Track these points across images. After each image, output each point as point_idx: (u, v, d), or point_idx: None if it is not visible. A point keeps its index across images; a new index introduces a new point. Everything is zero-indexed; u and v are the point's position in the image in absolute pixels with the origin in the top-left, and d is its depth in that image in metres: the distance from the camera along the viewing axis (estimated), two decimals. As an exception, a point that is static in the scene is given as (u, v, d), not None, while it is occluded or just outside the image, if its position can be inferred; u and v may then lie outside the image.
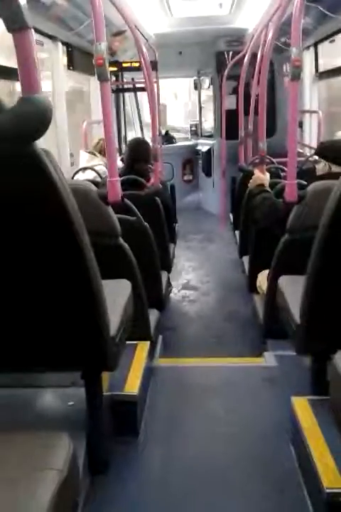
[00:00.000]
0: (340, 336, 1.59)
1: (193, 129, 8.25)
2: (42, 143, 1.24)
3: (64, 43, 4.35)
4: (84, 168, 4.26)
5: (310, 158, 4.14)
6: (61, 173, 1.28)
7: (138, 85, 6.62)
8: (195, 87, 7.87)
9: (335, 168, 2.46)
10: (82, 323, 1.50)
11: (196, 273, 5.05)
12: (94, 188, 2.22)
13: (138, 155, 3.51)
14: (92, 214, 2.15)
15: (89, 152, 4.60)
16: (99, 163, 4.27)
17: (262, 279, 2.94)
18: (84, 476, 1.73)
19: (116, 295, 1.86)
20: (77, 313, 1.48)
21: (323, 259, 1.58)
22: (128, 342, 2.15)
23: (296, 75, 2.17)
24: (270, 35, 2.93)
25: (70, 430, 1.72)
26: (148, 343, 2.49)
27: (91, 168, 4.15)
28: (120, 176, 3.17)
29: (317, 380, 1.91)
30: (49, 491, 1.02)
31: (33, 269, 1.39)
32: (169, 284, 3.99)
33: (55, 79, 4.29)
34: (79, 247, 1.35)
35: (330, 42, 4.54)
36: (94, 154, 4.51)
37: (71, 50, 4.59)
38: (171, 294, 4.32)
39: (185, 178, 7.88)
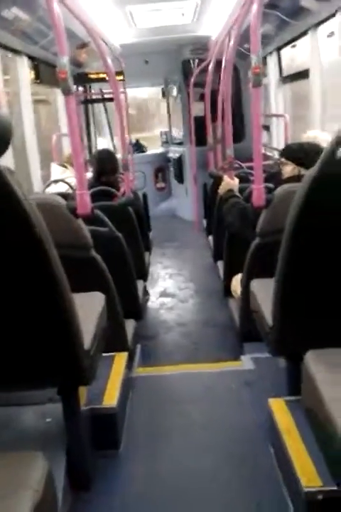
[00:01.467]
0: (311, 336, 1.61)
1: (164, 137, 8.30)
2: (10, 157, 1.24)
3: (30, 57, 4.32)
4: (56, 181, 4.24)
5: (278, 161, 4.21)
6: (24, 190, 1.27)
7: (106, 96, 6.63)
8: (163, 95, 7.92)
9: (304, 171, 2.49)
10: (54, 338, 1.49)
11: (173, 280, 5.06)
12: (63, 201, 2.21)
13: (105, 167, 3.51)
14: (62, 227, 2.14)
15: (61, 165, 4.58)
16: (71, 176, 4.25)
17: (236, 283, 2.97)
18: (65, 493, 1.71)
19: (89, 308, 1.85)
20: (49, 329, 1.47)
21: (288, 262, 1.61)
22: (105, 354, 2.15)
23: (257, 82, 2.21)
24: (231, 42, 2.97)
25: (49, 447, 1.72)
26: (126, 353, 2.48)
27: (63, 181, 4.13)
28: (89, 188, 3.18)
29: (292, 381, 1.94)
30: (25, 512, 1.00)
31: (0, 287, 1.37)
32: (146, 293, 3.98)
33: (22, 93, 4.25)
34: (46, 262, 1.34)
35: (292, 47, 4.65)
36: (66, 167, 4.49)
37: (37, 64, 4.57)
38: (149, 303, 4.32)
39: (158, 185, 7.92)
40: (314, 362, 1.35)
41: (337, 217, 1.49)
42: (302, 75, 4.41)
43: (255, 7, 2.22)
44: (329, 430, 1.18)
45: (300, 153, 2.53)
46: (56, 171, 4.53)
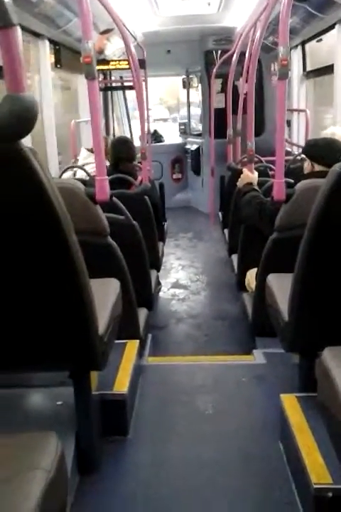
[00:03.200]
0: (327, 333, 1.60)
1: (182, 127, 8.26)
2: (29, 141, 1.24)
3: (51, 41, 4.32)
4: (72, 167, 4.24)
5: (298, 157, 4.16)
6: (48, 172, 1.27)
7: (126, 84, 6.60)
8: (184, 86, 7.87)
9: (318, 167, 2.47)
10: (70, 322, 1.50)
11: (185, 271, 5.06)
12: (82, 186, 2.21)
13: (122, 154, 3.51)
14: (80, 213, 2.14)
15: (89, 149, 4.61)
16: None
17: (251, 277, 2.96)
18: (73, 476, 1.73)
19: (105, 294, 1.86)
20: (65, 313, 1.47)
21: (310, 258, 1.59)
22: (117, 341, 2.15)
23: (284, 74, 2.17)
24: (258, 34, 2.93)
25: (59, 430, 1.72)
26: (138, 342, 2.48)
27: (80, 167, 4.13)
28: (107, 175, 3.17)
29: (305, 377, 1.92)
30: (37, 491, 1.01)
31: (19, 268, 1.38)
32: (158, 283, 3.99)
33: (42, 77, 4.26)
34: (66, 246, 1.35)
35: (317, 41, 4.57)
36: (93, 151, 4.51)
37: (58, 48, 4.56)
38: (160, 293, 4.32)
39: (174, 176, 7.89)
40: (332, 359, 1.33)
41: None
42: (327, 70, 4.34)
43: None
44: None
45: (315, 149, 2.52)
46: (83, 155, 4.56)
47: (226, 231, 4.61)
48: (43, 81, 4.26)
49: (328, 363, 1.31)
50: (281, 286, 1.94)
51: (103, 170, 2.24)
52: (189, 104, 8.02)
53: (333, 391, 1.23)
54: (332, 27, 3.84)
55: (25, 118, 1.15)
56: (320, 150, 2.44)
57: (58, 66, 4.66)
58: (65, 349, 1.57)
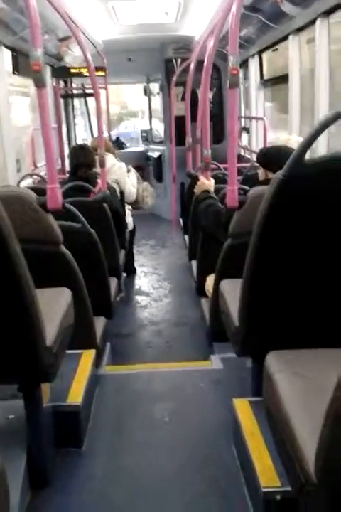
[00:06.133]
0: (275, 337, 1.62)
1: (144, 135, 8.28)
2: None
3: (8, 47, 4.25)
4: (31, 175, 4.18)
5: (255, 164, 4.23)
6: None
7: (88, 91, 6.57)
8: (145, 93, 7.90)
9: (271, 174, 2.52)
10: (15, 333, 1.46)
11: (148, 278, 5.05)
12: (33, 195, 2.17)
13: (80, 161, 3.49)
14: (31, 222, 2.10)
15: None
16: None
17: (210, 282, 2.97)
18: (24, 491, 1.69)
19: (54, 304, 1.83)
20: (9, 324, 1.44)
21: (256, 263, 1.61)
22: (72, 351, 2.12)
23: (234, 83, 2.20)
24: (211, 43, 2.97)
25: (10, 444, 1.68)
26: (94, 351, 2.45)
27: (37, 175, 4.08)
28: (65, 182, 3.13)
29: (256, 381, 1.94)
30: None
31: None
32: (119, 291, 3.96)
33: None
34: (7, 255, 1.32)
35: (273, 51, 4.67)
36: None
37: (16, 55, 4.50)
38: (122, 301, 4.30)
39: None
40: (274, 363, 1.35)
41: (303, 220, 1.50)
42: (283, 79, 4.45)
43: (234, 8, 2.23)
44: (286, 431, 1.18)
45: (267, 157, 2.57)
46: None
47: (186, 237, 4.64)
48: (0, 87, 4.17)
49: (271, 367, 1.34)
50: (233, 292, 1.96)
51: (54, 178, 2.21)
52: (150, 112, 8.05)
53: (275, 395, 1.25)
54: (285, 37, 3.94)
55: None
56: (272, 158, 2.49)
57: (16, 72, 4.60)
58: (11, 361, 1.53)
